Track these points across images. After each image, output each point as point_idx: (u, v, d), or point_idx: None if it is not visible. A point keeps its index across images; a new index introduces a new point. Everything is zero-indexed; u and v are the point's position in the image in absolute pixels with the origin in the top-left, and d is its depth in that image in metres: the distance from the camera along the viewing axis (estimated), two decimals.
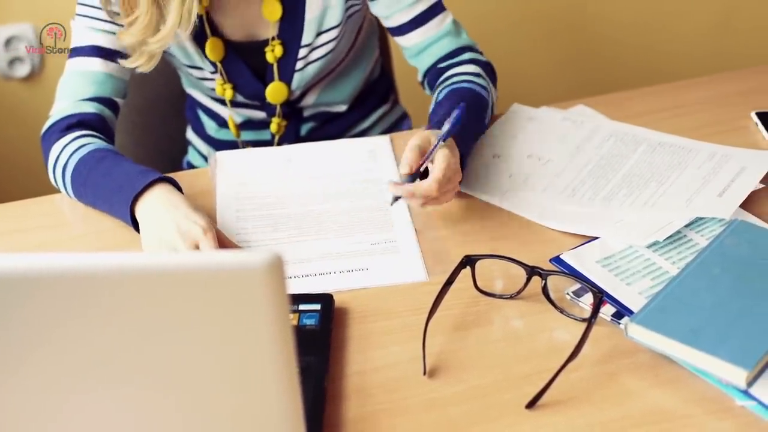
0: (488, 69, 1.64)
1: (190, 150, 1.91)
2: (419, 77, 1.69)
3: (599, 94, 1.75)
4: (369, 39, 1.80)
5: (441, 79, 1.60)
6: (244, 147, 1.77)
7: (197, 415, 0.83)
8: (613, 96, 1.75)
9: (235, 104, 1.72)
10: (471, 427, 1.07)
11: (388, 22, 1.63)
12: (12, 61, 2.42)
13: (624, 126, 1.60)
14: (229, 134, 1.79)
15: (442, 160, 1.34)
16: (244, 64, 1.64)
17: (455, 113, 1.38)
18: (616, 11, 2.82)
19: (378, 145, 1.61)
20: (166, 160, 1.96)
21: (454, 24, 1.64)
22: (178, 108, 1.94)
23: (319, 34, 1.62)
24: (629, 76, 2.76)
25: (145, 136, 1.98)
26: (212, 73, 1.65)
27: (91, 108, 1.53)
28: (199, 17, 1.57)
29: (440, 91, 1.57)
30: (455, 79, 1.58)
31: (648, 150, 1.53)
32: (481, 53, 1.66)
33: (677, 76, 1.86)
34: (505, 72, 2.82)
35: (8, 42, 2.39)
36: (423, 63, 1.66)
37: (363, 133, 1.83)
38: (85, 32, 1.54)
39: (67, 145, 1.47)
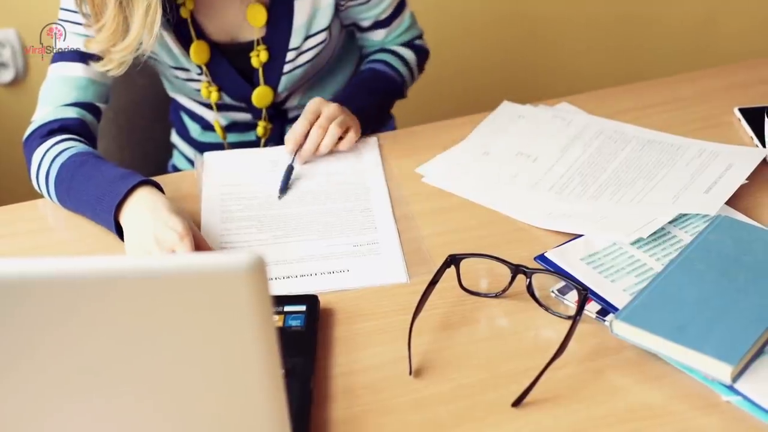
0: (421, 55, 1.82)
1: (175, 153, 1.91)
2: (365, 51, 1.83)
3: (582, 91, 1.76)
4: (351, 39, 1.81)
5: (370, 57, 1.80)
6: (229, 149, 1.77)
7: (182, 416, 0.83)
8: (596, 93, 1.76)
9: (220, 107, 1.72)
10: (458, 426, 1.07)
11: (363, 23, 1.72)
12: None
13: (613, 123, 1.61)
14: (213, 137, 1.79)
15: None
16: (231, 67, 1.64)
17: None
18: (600, 8, 2.83)
19: (364, 146, 1.61)
20: (151, 164, 1.95)
21: (411, 17, 1.78)
22: (163, 111, 1.93)
23: (307, 38, 1.62)
24: (612, 73, 2.77)
25: (130, 140, 1.98)
26: (198, 74, 1.65)
27: (72, 113, 1.52)
28: (185, 20, 1.57)
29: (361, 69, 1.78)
30: (373, 57, 1.78)
31: (637, 147, 1.54)
32: (423, 40, 1.84)
33: (660, 73, 1.87)
34: (488, 68, 2.83)
35: None
36: (376, 47, 1.80)
37: None
38: (66, 37, 1.54)
39: (48, 150, 1.47)
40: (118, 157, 1.93)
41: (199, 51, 1.61)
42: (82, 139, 1.50)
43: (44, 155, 1.46)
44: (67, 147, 1.46)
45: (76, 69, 1.53)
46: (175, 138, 1.90)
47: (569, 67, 2.90)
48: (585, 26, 2.85)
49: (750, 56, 1.97)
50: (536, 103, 1.69)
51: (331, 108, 1.56)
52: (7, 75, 2.43)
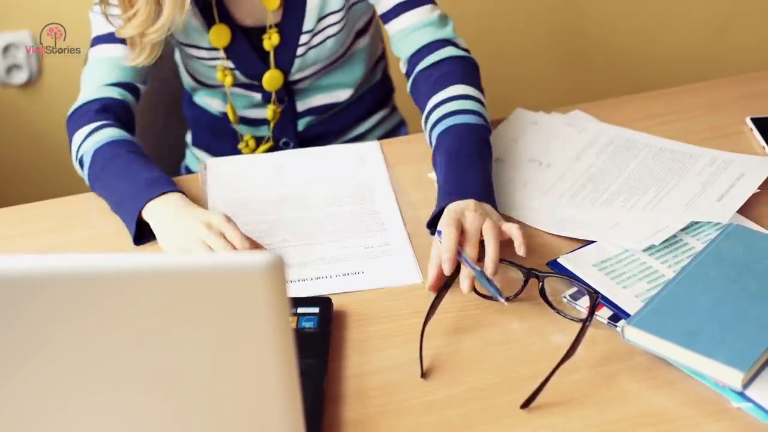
0: (468, 67, 1.60)
1: (188, 154, 1.92)
2: (402, 67, 1.67)
3: (595, 100, 1.76)
4: (374, 39, 1.82)
5: (431, 111, 1.54)
6: (242, 137, 1.79)
7: (197, 415, 0.83)
8: (608, 101, 1.76)
9: (234, 95, 1.74)
10: (469, 429, 1.08)
11: (381, 8, 1.64)
12: (10, 69, 2.42)
13: (626, 131, 1.61)
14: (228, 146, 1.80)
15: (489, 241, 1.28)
16: (250, 47, 1.67)
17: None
18: (612, 17, 2.83)
19: (368, 150, 1.62)
20: (165, 166, 1.95)
21: (440, 18, 1.62)
22: (177, 114, 1.94)
23: (320, 19, 1.64)
24: (625, 82, 2.77)
25: (145, 142, 1.98)
26: (216, 59, 1.68)
27: (113, 93, 1.56)
28: (209, 2, 1.61)
29: (434, 129, 1.51)
30: (446, 113, 1.51)
31: (649, 156, 1.54)
32: (460, 48, 1.62)
33: (672, 82, 1.87)
34: (502, 76, 2.83)
35: (6, 49, 2.39)
36: (405, 50, 1.63)
37: (361, 137, 1.83)
38: (105, 20, 1.55)
39: (86, 136, 1.51)
40: None
41: (219, 34, 1.64)
42: (120, 122, 1.54)
43: (83, 141, 1.51)
44: (104, 137, 1.50)
45: (116, 49, 1.57)
46: (189, 139, 1.91)
47: (581, 75, 2.90)
48: (598, 36, 2.85)
49: (762, 67, 1.97)
50: (549, 111, 1.69)
51: (471, 218, 1.32)
52: (21, 76, 2.44)
